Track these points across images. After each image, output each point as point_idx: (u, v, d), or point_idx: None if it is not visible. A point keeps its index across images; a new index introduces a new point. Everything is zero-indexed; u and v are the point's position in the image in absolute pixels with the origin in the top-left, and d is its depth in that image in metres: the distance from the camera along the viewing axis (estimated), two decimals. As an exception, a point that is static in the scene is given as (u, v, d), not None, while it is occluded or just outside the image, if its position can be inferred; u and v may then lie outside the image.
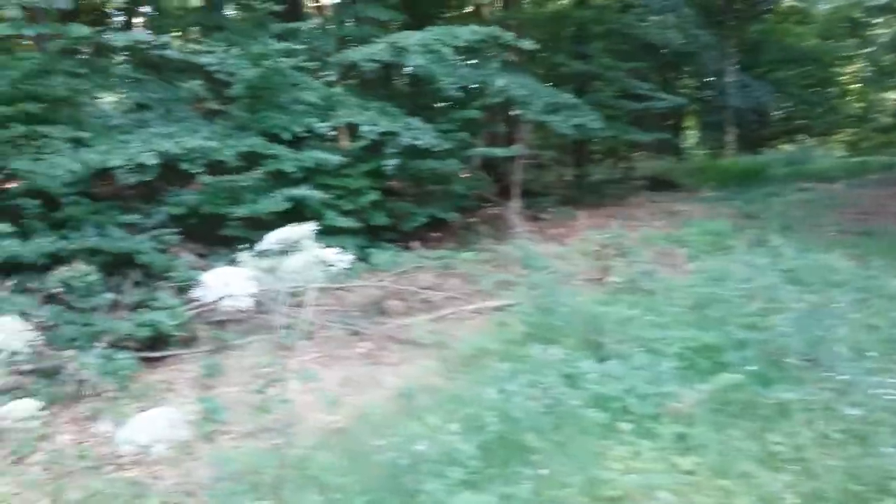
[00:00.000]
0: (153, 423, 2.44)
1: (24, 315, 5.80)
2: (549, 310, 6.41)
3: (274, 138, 9.13)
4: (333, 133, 10.08)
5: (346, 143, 10.25)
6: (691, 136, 28.49)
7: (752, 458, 4.05)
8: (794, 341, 5.05)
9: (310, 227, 2.70)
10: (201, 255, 8.47)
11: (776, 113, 26.71)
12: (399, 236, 10.32)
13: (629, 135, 14.79)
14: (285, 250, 2.79)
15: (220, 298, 2.52)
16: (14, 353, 3.06)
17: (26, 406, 2.87)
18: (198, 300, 2.59)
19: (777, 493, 3.70)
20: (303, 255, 2.67)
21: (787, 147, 26.50)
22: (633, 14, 15.69)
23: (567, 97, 11.45)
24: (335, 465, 4.28)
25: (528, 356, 5.58)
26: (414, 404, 5.25)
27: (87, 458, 4.64)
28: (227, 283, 2.55)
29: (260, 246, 2.81)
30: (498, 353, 6.09)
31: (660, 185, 16.82)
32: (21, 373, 5.40)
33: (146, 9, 13.00)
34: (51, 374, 5.69)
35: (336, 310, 7.97)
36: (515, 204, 10.54)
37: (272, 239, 2.78)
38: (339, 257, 2.67)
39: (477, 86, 10.81)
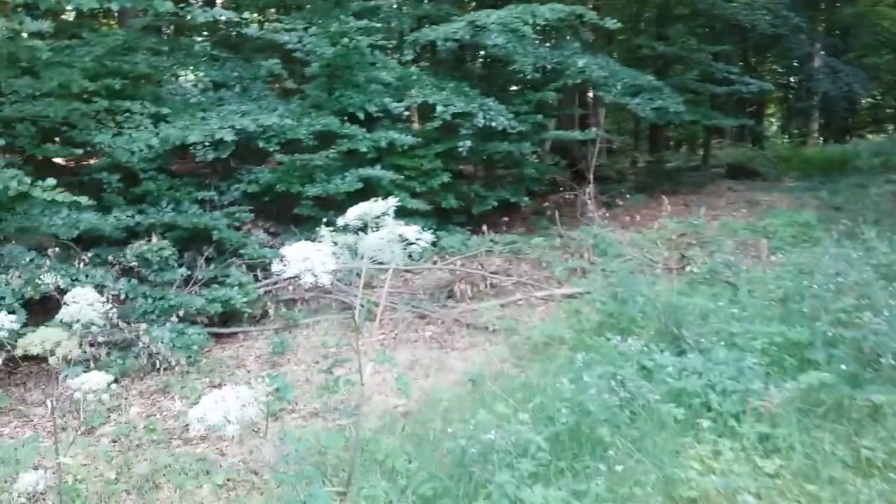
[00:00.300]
0: (225, 402, 2.37)
1: (100, 288, 5.92)
2: (625, 299, 6.18)
3: (348, 117, 9.09)
4: (406, 113, 9.97)
5: (418, 123, 10.13)
6: (773, 123, 27.39)
7: (841, 463, 3.77)
8: (888, 340, 4.70)
9: (390, 203, 2.57)
10: (273, 234, 8.52)
11: (865, 100, 25.38)
12: (469, 220, 10.17)
13: (712, 119, 14.20)
14: (363, 227, 2.67)
15: (299, 274, 2.42)
16: (89, 324, 3.05)
17: (98, 378, 2.85)
18: (275, 276, 2.49)
19: (868, 502, 3.43)
20: (382, 231, 2.54)
21: (876, 137, 25.16)
22: (719, -6, 15.05)
23: (649, 79, 11.04)
24: (402, 450, 4.18)
25: (603, 346, 5.37)
26: (482, 391, 5.13)
27: (155, 432, 4.67)
28: (307, 259, 2.45)
29: (339, 221, 2.69)
30: (570, 341, 5.91)
31: (739, 173, 16.16)
32: (96, 344, 5.50)
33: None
34: (124, 346, 5.78)
35: (404, 292, 7.90)
36: (590, 189, 10.25)
37: (351, 215, 2.65)
38: (419, 235, 2.52)
39: (554, 66, 10.52)
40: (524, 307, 7.21)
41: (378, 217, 2.67)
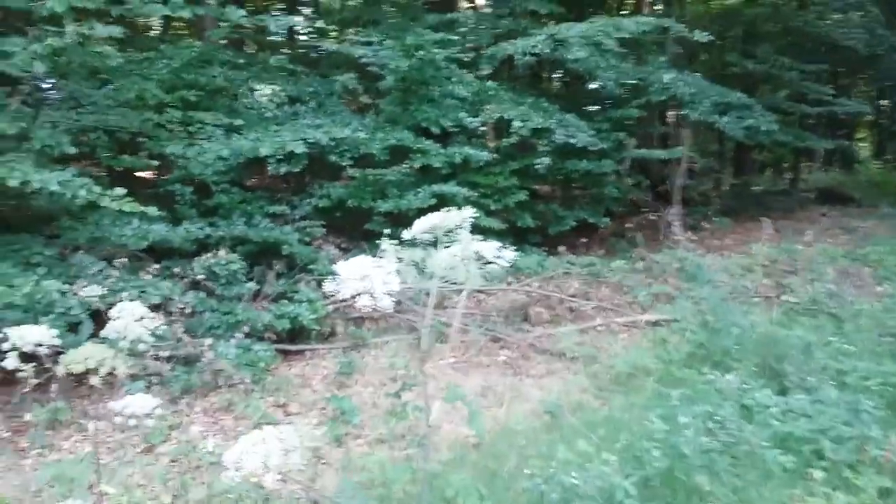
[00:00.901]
0: (265, 445, 2.05)
1: (167, 300, 5.78)
2: (718, 329, 5.68)
3: (423, 132, 8.86)
4: (483, 129, 9.67)
5: (494, 140, 9.82)
6: (864, 148, 26.02)
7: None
8: None
9: (465, 214, 2.21)
10: (344, 249, 8.31)
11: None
12: (545, 240, 9.76)
13: (805, 141, 13.41)
14: (434, 242, 2.31)
15: (357, 295, 2.08)
16: (137, 341, 2.82)
17: (142, 402, 2.60)
18: (332, 294, 2.12)
19: None
20: (456, 248, 2.19)
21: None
22: (812, 12, 14.29)
23: (739, 96, 10.46)
24: (472, 486, 3.81)
25: (694, 380, 4.92)
26: (561, 424, 4.73)
27: (215, 454, 4.43)
28: (366, 277, 2.10)
29: (406, 235, 2.33)
30: (657, 373, 5.46)
31: (831, 198, 15.27)
32: (160, 359, 5.34)
33: (306, 9, 13.29)
34: (188, 361, 5.61)
35: (476, 313, 7.56)
36: (675, 211, 9.73)
37: (420, 227, 2.30)
38: (498, 254, 2.16)
39: (637, 82, 10.07)
40: (604, 334, 6.78)
41: (451, 231, 2.32)
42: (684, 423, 3.98)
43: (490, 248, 2.24)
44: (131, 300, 2.84)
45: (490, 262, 2.18)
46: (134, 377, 5.33)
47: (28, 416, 4.75)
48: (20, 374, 2.60)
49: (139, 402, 2.59)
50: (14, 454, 4.48)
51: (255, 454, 1.90)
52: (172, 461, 4.47)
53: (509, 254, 2.26)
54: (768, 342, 5.14)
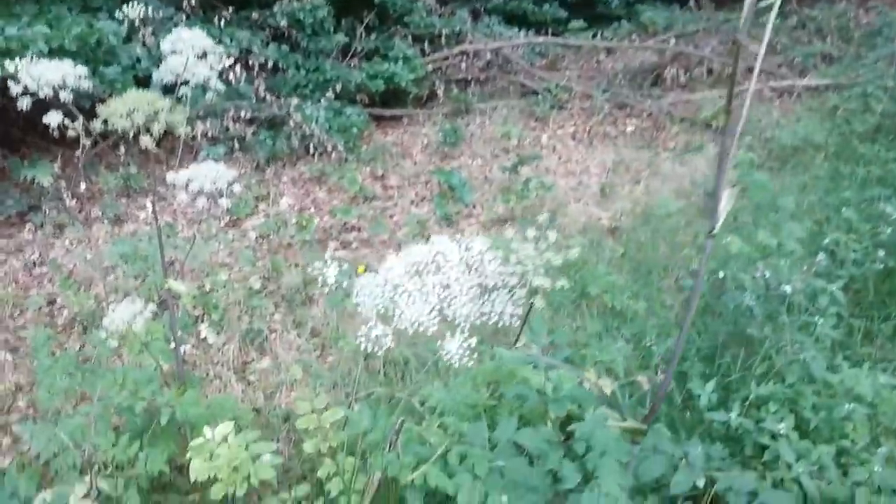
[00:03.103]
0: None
1: (245, 53, 4.98)
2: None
3: None
4: None
5: None
6: None
7: None
8: None
9: None
10: (442, 1, 7.19)
11: None
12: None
13: None
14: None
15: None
16: (201, 87, 2.06)
17: (211, 171, 1.89)
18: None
19: None
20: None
21: None
22: None
23: None
24: (616, 281, 3.09)
25: (883, 159, 3.94)
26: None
27: (307, 231, 3.83)
28: None
29: None
30: (832, 147, 4.47)
31: None
32: (240, 121, 4.64)
33: None
34: (273, 125, 4.90)
35: (597, 77, 6.52)
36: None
37: None
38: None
39: None
40: (756, 101, 5.67)
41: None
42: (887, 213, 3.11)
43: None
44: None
45: None
46: (213, 140, 4.70)
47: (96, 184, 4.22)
48: (70, 133, 1.93)
49: (206, 171, 1.88)
50: (84, 225, 4.00)
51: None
52: (260, 237, 3.91)
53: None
54: None
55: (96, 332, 1.90)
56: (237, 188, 1.87)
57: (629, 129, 5.44)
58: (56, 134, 1.98)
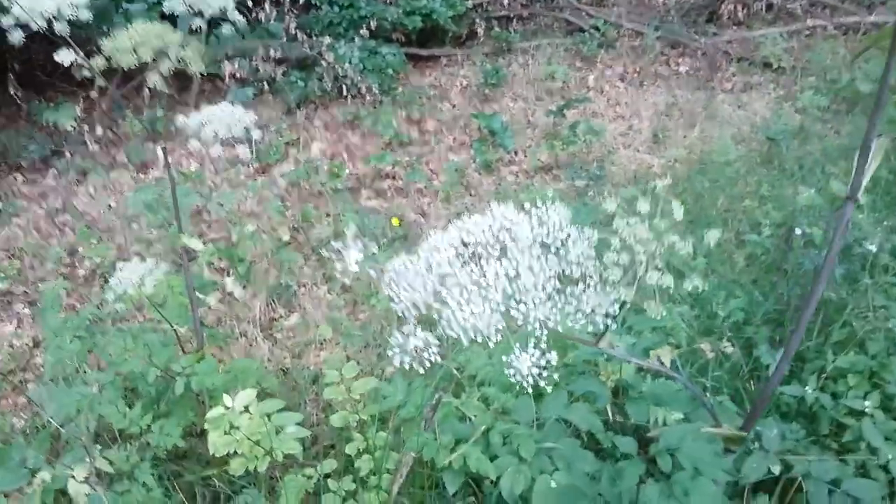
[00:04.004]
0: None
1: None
2: None
3: None
4: None
5: None
6: None
7: None
8: None
9: None
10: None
11: None
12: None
13: None
14: None
15: None
16: (219, 17, 1.83)
17: (229, 114, 1.68)
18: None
19: None
20: None
21: None
22: None
23: None
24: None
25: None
26: (783, 155, 3.59)
27: (339, 179, 3.62)
28: None
29: None
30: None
31: None
32: (269, 60, 4.41)
33: None
34: (305, 65, 4.66)
35: (647, 13, 6.11)
36: None
37: None
38: None
39: None
40: (819, 39, 5.26)
41: None
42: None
43: None
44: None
45: None
46: (241, 82, 4.48)
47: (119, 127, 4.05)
48: (85, 73, 1.73)
49: (221, 113, 1.67)
50: (109, 171, 3.83)
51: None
52: (290, 185, 3.71)
53: None
54: None
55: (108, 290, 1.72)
56: (257, 133, 1.66)
57: (682, 69, 5.09)
58: (78, 76, 1.80)
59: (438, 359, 0.78)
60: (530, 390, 0.78)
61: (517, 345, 0.75)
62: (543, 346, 0.74)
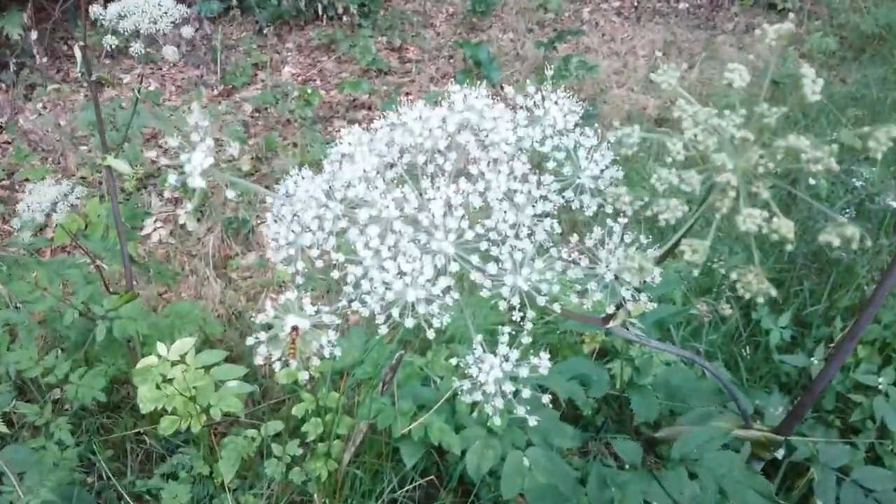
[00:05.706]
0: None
1: None
2: None
3: None
4: None
5: None
6: None
7: None
8: None
9: None
10: None
11: None
12: None
13: None
14: None
15: None
16: None
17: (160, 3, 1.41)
18: None
19: None
20: None
21: None
22: None
23: None
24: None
25: None
26: (789, 99, 3.34)
27: (311, 106, 3.33)
28: None
29: None
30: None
31: None
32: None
33: None
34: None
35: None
36: None
37: None
38: None
39: None
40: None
41: None
42: None
43: None
44: None
45: None
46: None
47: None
48: None
49: (144, 4, 1.41)
50: (69, 85, 3.51)
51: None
52: (255, 112, 3.41)
53: None
54: None
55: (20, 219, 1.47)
56: (188, 31, 1.39)
57: (682, 6, 4.78)
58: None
59: (336, 352, 0.54)
60: (497, 419, 0.56)
61: (478, 338, 0.52)
62: (525, 339, 0.51)
